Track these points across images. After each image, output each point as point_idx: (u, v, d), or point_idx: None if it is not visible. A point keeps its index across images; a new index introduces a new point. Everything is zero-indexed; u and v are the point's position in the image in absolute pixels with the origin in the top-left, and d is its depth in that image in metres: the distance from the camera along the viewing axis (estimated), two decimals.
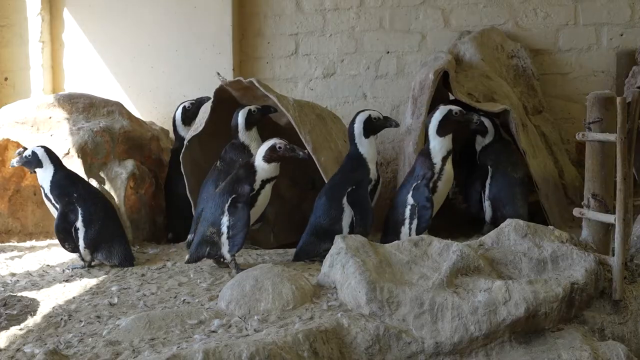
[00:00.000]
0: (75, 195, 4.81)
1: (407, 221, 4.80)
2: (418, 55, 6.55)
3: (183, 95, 6.56)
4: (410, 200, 4.80)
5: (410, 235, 4.71)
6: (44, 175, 4.84)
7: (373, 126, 4.85)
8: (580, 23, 6.38)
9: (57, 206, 4.78)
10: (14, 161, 4.96)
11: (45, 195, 4.86)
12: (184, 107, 5.89)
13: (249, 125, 5.18)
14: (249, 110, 5.18)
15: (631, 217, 3.82)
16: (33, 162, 4.87)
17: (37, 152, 4.87)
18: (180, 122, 5.86)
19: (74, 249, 4.74)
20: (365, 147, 4.82)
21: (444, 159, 4.85)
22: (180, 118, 5.88)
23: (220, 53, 6.62)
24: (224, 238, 4.50)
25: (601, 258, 3.66)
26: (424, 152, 4.91)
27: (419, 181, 4.80)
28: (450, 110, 4.87)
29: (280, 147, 4.60)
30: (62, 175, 4.87)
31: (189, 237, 5.16)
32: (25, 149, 5.17)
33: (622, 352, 3.31)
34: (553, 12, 6.42)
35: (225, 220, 4.53)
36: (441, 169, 4.83)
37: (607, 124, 3.74)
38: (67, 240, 4.73)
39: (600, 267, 3.61)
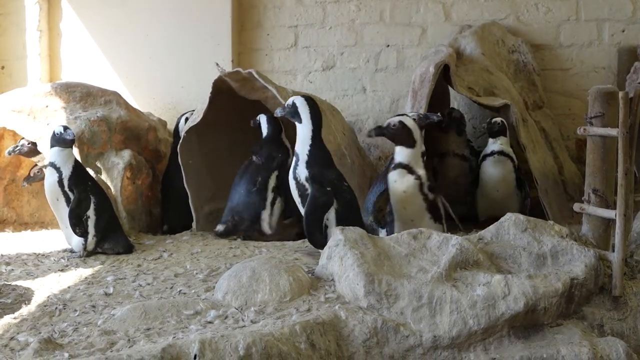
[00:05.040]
0: (89, 184, 4.83)
1: None
2: (418, 49, 6.53)
3: (181, 86, 6.54)
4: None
5: None
6: (68, 158, 4.78)
7: None
8: (582, 18, 6.36)
9: (71, 193, 4.72)
10: (73, 132, 4.85)
11: (60, 180, 4.74)
12: (186, 118, 5.83)
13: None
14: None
15: (632, 213, 3.81)
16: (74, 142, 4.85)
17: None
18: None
19: (83, 234, 4.73)
20: None
21: None
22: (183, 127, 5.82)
23: (219, 44, 6.59)
24: None
25: (601, 254, 3.64)
26: None
27: None
28: None
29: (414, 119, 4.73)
30: (79, 163, 4.91)
31: (219, 227, 5.17)
32: (23, 138, 5.16)
33: (622, 348, 3.29)
34: (554, 7, 6.40)
35: None
36: None
37: (609, 119, 3.72)
38: (79, 225, 4.72)
39: (600, 262, 3.59)
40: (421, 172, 4.53)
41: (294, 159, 4.46)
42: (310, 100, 4.56)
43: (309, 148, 4.42)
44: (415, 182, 4.52)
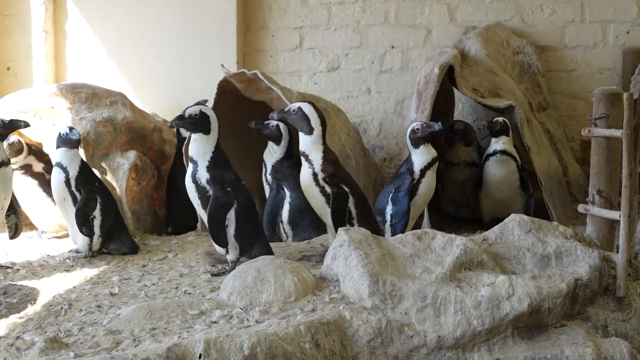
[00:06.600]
0: (96, 184, 4.84)
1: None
2: (423, 50, 6.53)
3: (186, 87, 6.54)
4: None
5: None
6: (75, 158, 4.78)
7: None
8: (587, 20, 6.36)
9: (77, 193, 4.72)
10: (78, 132, 4.84)
11: (67, 180, 4.73)
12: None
13: None
14: None
15: (636, 214, 3.81)
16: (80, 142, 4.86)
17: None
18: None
19: (89, 233, 4.74)
20: None
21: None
22: None
23: (224, 45, 6.60)
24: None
25: (605, 254, 3.64)
26: None
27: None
28: None
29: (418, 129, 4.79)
30: (85, 163, 4.91)
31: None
32: (19, 140, 5.21)
33: (626, 349, 3.30)
34: (559, 8, 6.40)
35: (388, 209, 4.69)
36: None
37: (613, 120, 3.73)
38: (85, 224, 4.71)
39: (604, 263, 3.60)
40: (316, 161, 4.35)
41: (192, 165, 4.30)
42: (213, 110, 4.45)
43: (211, 155, 4.29)
44: (309, 171, 4.36)
